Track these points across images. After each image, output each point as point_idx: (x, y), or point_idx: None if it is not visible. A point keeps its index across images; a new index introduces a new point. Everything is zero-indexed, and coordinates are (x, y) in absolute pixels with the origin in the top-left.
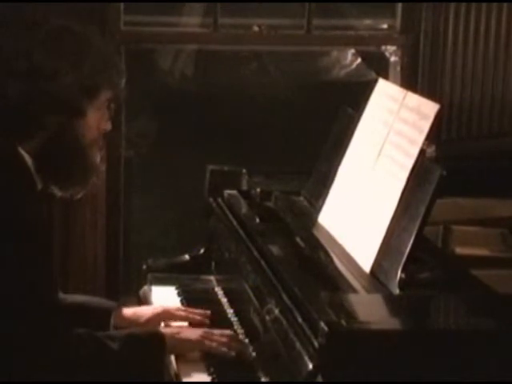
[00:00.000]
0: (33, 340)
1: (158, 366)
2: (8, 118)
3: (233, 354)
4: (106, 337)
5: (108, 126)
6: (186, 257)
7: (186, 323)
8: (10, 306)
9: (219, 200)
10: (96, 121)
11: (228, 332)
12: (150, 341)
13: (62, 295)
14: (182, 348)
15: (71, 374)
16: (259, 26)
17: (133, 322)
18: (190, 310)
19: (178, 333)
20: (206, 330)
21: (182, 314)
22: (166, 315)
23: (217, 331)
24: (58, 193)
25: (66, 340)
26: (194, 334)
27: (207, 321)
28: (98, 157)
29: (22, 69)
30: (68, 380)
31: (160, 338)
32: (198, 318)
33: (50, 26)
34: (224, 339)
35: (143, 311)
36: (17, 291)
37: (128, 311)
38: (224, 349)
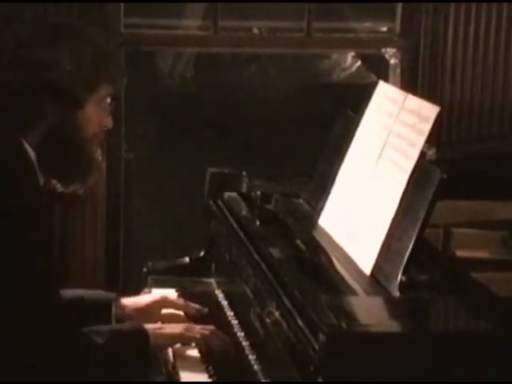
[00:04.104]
0: (27, 337)
1: (143, 361)
2: (9, 109)
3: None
4: (92, 332)
5: (109, 123)
6: (187, 259)
7: (181, 313)
8: (9, 300)
9: (219, 202)
10: (97, 116)
11: (210, 327)
12: (134, 336)
13: (61, 291)
14: (166, 343)
15: (59, 370)
16: (259, 29)
17: (132, 308)
18: (189, 302)
19: (161, 328)
20: (188, 324)
21: (181, 303)
22: (165, 302)
23: (198, 326)
24: (59, 188)
25: (56, 337)
26: (177, 328)
27: (205, 309)
28: (98, 153)
29: (22, 59)
30: (55, 376)
31: (143, 333)
32: (196, 308)
33: (51, 21)
34: (206, 332)
35: (142, 298)
36: (18, 287)
37: (127, 300)
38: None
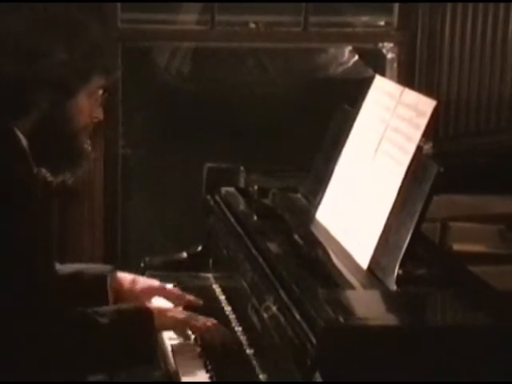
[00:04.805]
0: (24, 317)
1: (148, 342)
2: (2, 97)
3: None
4: (96, 313)
5: (100, 115)
6: (184, 254)
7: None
8: (6, 281)
9: (217, 197)
10: (88, 106)
11: (212, 320)
12: (139, 316)
13: (57, 266)
14: (169, 325)
15: (62, 350)
16: (256, 24)
17: (128, 285)
18: (184, 294)
19: (166, 310)
20: (193, 313)
21: (176, 293)
22: (161, 291)
23: (202, 317)
24: (49, 177)
25: (57, 317)
26: (182, 314)
27: (200, 301)
28: (87, 143)
29: (15, 48)
30: (59, 356)
31: (148, 314)
32: (190, 299)
33: (46, 9)
34: (209, 323)
35: (141, 280)
36: (14, 267)
37: (126, 276)
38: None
